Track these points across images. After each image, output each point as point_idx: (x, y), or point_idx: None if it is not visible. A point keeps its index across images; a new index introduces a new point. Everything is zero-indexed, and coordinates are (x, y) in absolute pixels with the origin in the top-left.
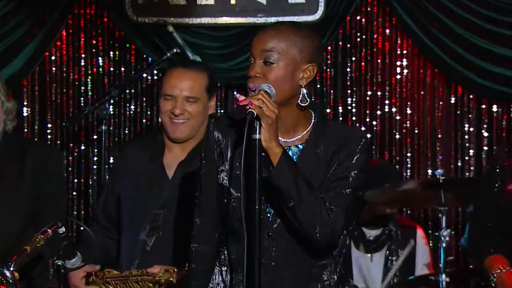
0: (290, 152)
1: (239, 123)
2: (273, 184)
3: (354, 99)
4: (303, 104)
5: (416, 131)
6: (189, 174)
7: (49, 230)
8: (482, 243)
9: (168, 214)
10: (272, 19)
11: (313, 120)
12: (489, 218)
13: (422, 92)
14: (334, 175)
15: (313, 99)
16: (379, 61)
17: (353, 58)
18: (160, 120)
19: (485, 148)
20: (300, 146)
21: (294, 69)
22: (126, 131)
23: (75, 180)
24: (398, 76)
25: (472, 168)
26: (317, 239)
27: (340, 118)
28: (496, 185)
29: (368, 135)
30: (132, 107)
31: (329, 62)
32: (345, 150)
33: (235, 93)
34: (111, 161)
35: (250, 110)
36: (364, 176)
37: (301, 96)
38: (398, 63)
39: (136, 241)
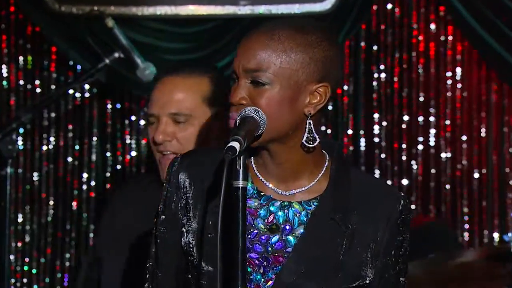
0: (290, 211)
1: (216, 161)
2: None
3: (383, 128)
4: (310, 145)
5: (476, 176)
6: None
7: None
8: None
9: None
10: (261, 9)
11: (325, 166)
12: None
13: (484, 117)
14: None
15: (326, 134)
16: (420, 70)
17: (382, 67)
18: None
19: None
20: (307, 205)
21: (296, 93)
22: (43, 174)
23: None
24: (449, 93)
25: None
26: None
27: (362, 156)
28: None
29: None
30: (52, 139)
31: (346, 72)
32: (379, 226)
33: None
34: (20, 219)
35: (230, 145)
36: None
37: (306, 132)
38: (449, 73)
39: None
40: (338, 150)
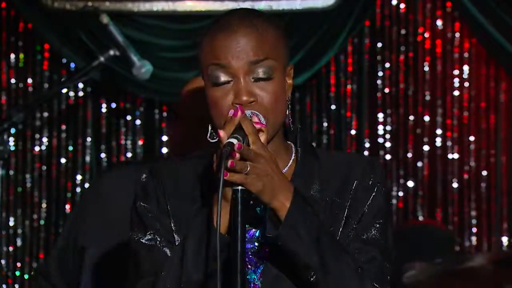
0: None
1: (191, 168)
2: (281, 249)
3: (387, 127)
4: (292, 127)
5: (485, 178)
6: None
7: None
8: None
9: None
10: (262, 5)
11: (293, 150)
12: None
13: (493, 117)
14: (354, 232)
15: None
16: (426, 68)
17: (387, 65)
18: None
19: None
20: None
21: (285, 79)
22: (35, 176)
23: None
24: (456, 92)
25: None
26: None
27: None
28: None
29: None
30: (45, 139)
31: (349, 70)
32: (351, 188)
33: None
34: (11, 223)
35: (229, 141)
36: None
37: (290, 117)
38: (456, 72)
39: None
40: (300, 133)
